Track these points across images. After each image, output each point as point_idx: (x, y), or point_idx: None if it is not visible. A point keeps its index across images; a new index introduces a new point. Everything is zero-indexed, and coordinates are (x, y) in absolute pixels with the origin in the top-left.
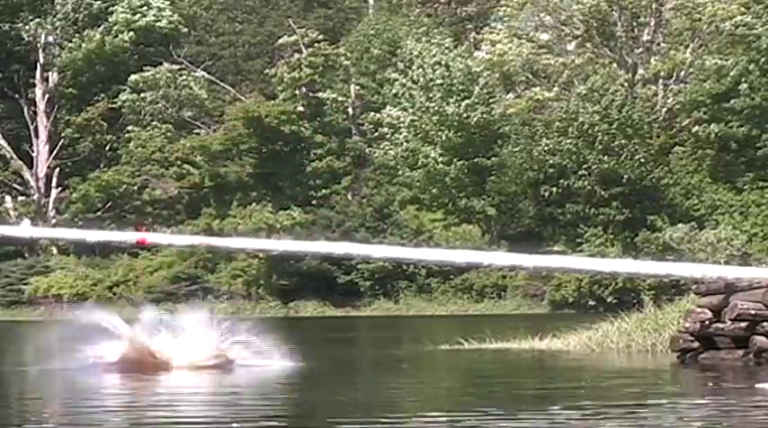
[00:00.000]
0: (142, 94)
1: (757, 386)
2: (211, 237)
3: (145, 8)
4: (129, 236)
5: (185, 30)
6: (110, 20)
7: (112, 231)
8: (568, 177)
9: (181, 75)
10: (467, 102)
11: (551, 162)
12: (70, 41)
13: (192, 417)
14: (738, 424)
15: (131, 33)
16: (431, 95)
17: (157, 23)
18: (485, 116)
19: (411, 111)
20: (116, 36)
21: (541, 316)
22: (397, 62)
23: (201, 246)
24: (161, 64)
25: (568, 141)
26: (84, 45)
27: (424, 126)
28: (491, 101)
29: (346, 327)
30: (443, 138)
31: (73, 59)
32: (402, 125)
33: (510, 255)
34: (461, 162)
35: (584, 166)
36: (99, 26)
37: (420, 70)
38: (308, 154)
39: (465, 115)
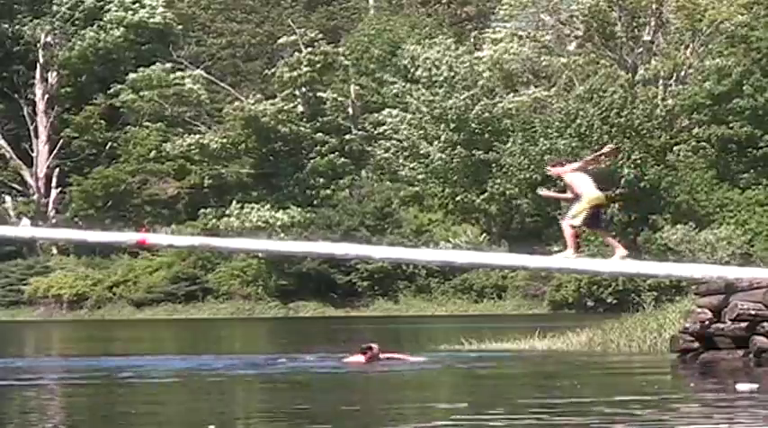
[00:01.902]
0: (140, 93)
1: (738, 386)
2: (211, 237)
3: (137, 5)
4: (129, 237)
5: (180, 27)
6: (104, 18)
7: (113, 230)
8: None
9: (174, 73)
10: (467, 94)
11: (549, 162)
12: (69, 40)
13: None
14: (736, 424)
15: (123, 29)
16: (433, 92)
17: (150, 20)
18: (486, 111)
19: (412, 109)
20: (108, 33)
21: (541, 316)
22: (397, 63)
23: (203, 245)
24: (161, 63)
25: (564, 141)
26: (78, 43)
27: (424, 124)
28: (494, 98)
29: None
30: (442, 136)
31: (70, 58)
32: (402, 124)
33: (510, 255)
34: (462, 155)
35: None
36: (93, 24)
37: (422, 69)
38: (307, 153)
39: (464, 109)
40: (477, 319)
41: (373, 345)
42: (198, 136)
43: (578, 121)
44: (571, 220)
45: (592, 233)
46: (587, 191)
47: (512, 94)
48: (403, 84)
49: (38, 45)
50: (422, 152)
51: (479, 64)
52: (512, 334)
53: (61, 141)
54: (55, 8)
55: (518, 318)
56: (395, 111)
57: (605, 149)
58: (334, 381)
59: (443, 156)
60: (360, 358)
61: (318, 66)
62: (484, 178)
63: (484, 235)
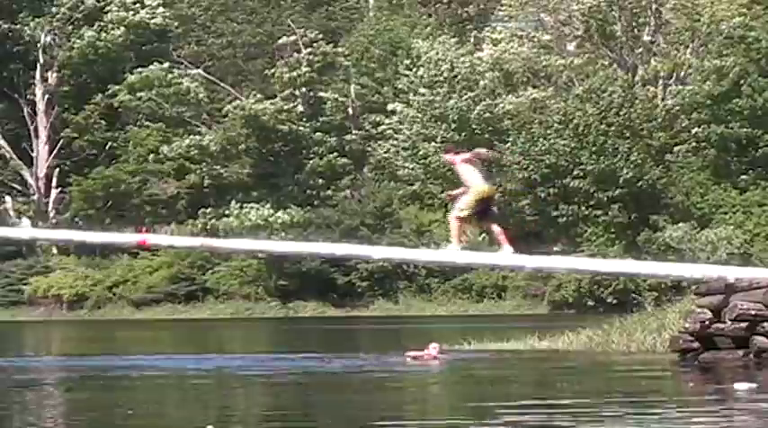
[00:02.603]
0: (140, 93)
1: (736, 386)
2: (212, 238)
3: (137, 5)
4: (129, 238)
5: (179, 27)
6: (105, 18)
7: (113, 231)
8: (566, 177)
9: (171, 73)
10: (469, 95)
11: (548, 162)
12: (69, 40)
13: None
14: (736, 424)
15: (123, 29)
16: (434, 91)
17: (152, 20)
18: (487, 111)
19: (415, 106)
20: (108, 33)
21: (541, 316)
22: (401, 60)
23: (203, 247)
24: (160, 63)
25: (564, 141)
26: (78, 42)
27: (426, 124)
28: (494, 99)
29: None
30: (439, 137)
31: (70, 58)
32: (404, 123)
33: (510, 255)
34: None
35: (581, 166)
36: (94, 25)
37: (425, 68)
38: (307, 153)
39: (466, 108)
40: (477, 319)
41: (435, 345)
42: (198, 136)
43: (576, 121)
44: (458, 213)
45: (593, 232)
46: (475, 183)
47: (511, 95)
48: (410, 79)
49: (38, 45)
50: (421, 152)
51: (480, 64)
52: (512, 333)
53: (61, 141)
54: (55, 8)
55: (518, 318)
56: (399, 107)
57: (482, 152)
58: (334, 381)
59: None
60: (421, 353)
61: (318, 66)
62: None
63: (484, 235)
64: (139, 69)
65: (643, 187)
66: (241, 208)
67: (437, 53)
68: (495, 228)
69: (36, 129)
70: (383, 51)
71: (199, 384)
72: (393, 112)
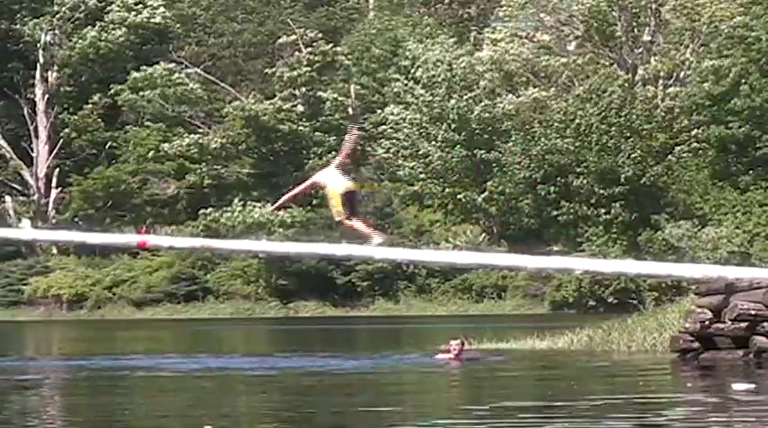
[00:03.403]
0: (141, 93)
1: (734, 386)
2: (213, 239)
3: (140, 6)
4: (130, 239)
5: (180, 28)
6: (106, 18)
7: (113, 231)
8: (567, 177)
9: (175, 73)
10: (469, 95)
11: (549, 161)
12: (69, 40)
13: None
14: (736, 424)
15: (125, 29)
16: (433, 92)
17: (152, 20)
18: (487, 112)
19: (413, 108)
20: (109, 33)
21: (541, 316)
22: (399, 61)
23: (203, 248)
24: (159, 63)
25: (567, 141)
26: (79, 42)
27: (425, 124)
28: (494, 99)
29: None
30: (439, 136)
31: (70, 57)
32: (403, 122)
33: (510, 255)
34: (462, 154)
35: (584, 165)
36: (95, 25)
37: (423, 68)
38: (307, 153)
39: (466, 108)
40: (477, 319)
41: (453, 342)
42: (198, 136)
43: (577, 121)
44: (341, 218)
45: (593, 232)
46: (332, 186)
47: (511, 95)
48: (405, 82)
49: (38, 45)
50: (421, 152)
51: (479, 64)
52: (512, 333)
53: (61, 141)
54: (56, 8)
55: (518, 318)
56: (396, 109)
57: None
58: (334, 382)
59: (443, 154)
60: (448, 354)
61: (318, 65)
62: (484, 178)
63: (484, 235)
64: (143, 68)
65: (644, 185)
66: (243, 206)
67: (436, 53)
68: (358, 223)
69: (36, 129)
70: (383, 51)
71: (199, 384)
72: (392, 113)
